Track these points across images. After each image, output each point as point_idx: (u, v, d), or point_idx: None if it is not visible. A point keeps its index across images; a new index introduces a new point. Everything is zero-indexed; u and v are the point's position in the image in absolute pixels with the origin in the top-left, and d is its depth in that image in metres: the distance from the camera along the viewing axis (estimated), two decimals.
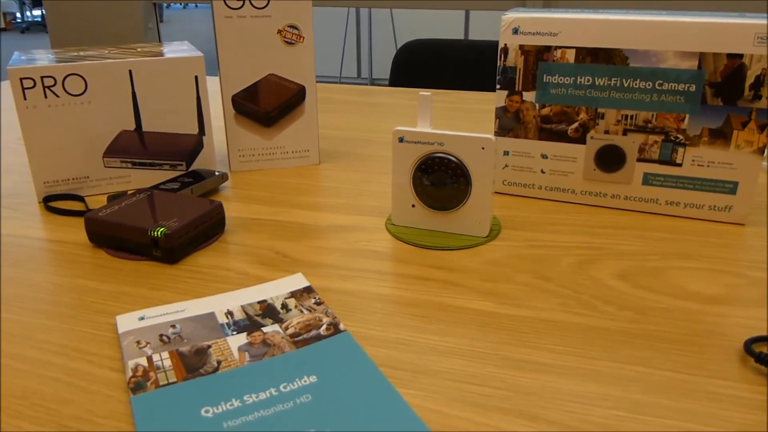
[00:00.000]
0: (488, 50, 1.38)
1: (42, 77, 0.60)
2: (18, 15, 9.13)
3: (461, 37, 4.47)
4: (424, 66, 1.40)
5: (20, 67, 0.59)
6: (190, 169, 0.68)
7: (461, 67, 1.39)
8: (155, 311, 0.43)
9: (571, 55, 0.58)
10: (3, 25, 8.72)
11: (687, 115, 0.56)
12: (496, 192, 0.66)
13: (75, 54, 0.66)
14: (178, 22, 9.00)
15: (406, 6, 1.87)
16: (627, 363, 0.39)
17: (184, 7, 11.15)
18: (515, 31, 0.59)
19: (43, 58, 0.64)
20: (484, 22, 4.38)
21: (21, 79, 0.59)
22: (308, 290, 0.46)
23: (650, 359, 0.39)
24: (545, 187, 0.63)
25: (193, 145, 0.67)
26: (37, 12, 9.22)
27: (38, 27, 8.77)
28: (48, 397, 0.36)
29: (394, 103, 1.07)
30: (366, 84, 4.82)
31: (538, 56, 0.59)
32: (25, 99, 0.60)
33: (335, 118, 0.97)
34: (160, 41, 2.22)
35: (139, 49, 0.69)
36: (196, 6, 10.80)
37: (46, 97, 0.61)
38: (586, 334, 0.42)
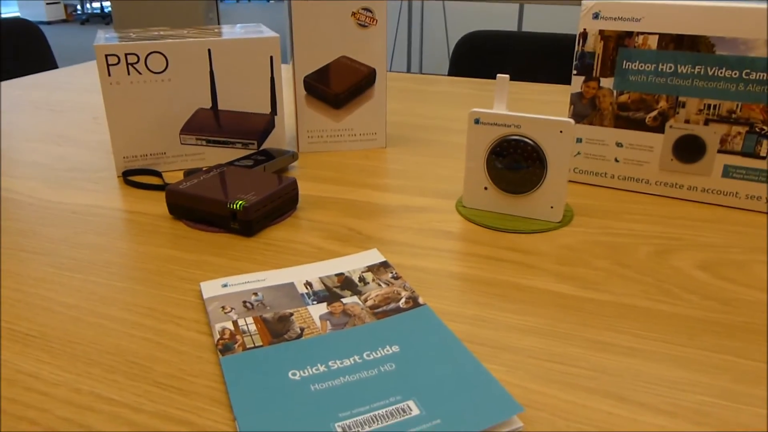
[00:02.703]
0: (548, 43, 1.36)
1: (126, 54, 0.62)
2: (78, 7, 9.45)
3: (514, 29, 4.41)
4: (484, 57, 1.39)
5: (106, 44, 0.61)
6: (262, 148, 0.69)
7: (521, 59, 1.37)
8: (237, 279, 0.44)
9: (653, 42, 0.56)
10: (64, 17, 9.04)
11: None
12: None
13: (156, 33, 0.68)
14: (232, 15, 9.17)
15: None
16: (715, 351, 0.38)
17: (238, 1, 11.35)
18: (596, 16, 0.58)
19: (125, 36, 0.66)
20: (537, 15, 4.31)
21: (106, 56, 0.61)
22: (385, 265, 0.46)
23: (739, 349, 0.38)
24: (618, 176, 0.62)
25: (265, 124, 0.69)
26: (96, 4, 9.52)
27: (97, 18, 9.06)
28: (141, 356, 0.37)
29: (454, 92, 1.06)
30: None
31: (618, 42, 0.58)
32: (109, 75, 0.62)
33: (397, 104, 0.97)
34: None
35: (216, 30, 0.70)
36: (249, 0, 10.99)
37: (129, 74, 0.63)
38: (670, 321, 0.41)
